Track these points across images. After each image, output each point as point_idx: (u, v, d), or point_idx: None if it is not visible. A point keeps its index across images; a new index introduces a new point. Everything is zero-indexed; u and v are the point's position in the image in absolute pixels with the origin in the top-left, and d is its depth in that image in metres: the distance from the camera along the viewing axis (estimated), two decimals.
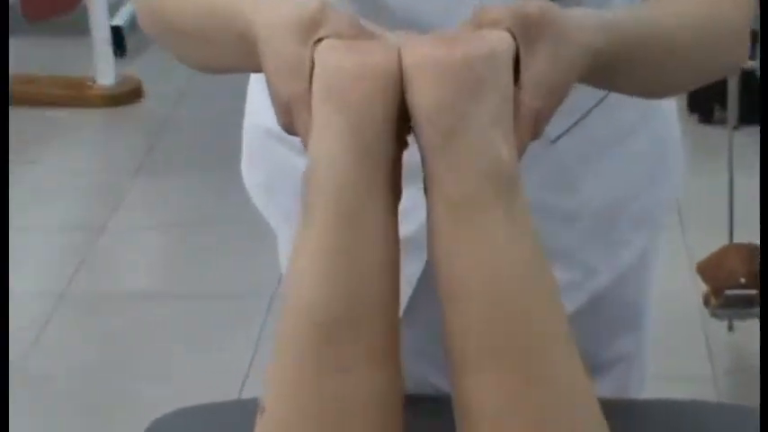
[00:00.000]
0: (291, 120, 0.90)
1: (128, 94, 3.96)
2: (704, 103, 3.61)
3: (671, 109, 1.27)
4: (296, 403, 0.92)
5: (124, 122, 4.01)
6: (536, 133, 0.91)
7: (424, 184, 0.89)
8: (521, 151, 0.90)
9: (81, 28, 4.04)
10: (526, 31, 0.90)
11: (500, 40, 0.89)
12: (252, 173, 1.36)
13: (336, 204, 0.89)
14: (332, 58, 0.88)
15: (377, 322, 0.92)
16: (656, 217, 1.35)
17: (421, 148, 0.88)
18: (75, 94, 3.97)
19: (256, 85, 1.28)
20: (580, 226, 1.27)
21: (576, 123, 1.15)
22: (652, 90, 1.10)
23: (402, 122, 0.89)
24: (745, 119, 3.06)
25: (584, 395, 0.94)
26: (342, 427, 0.93)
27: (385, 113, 0.88)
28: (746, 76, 3.13)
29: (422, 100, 0.87)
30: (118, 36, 4.08)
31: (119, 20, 4.17)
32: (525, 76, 0.89)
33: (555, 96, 0.91)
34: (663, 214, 1.37)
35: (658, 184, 1.32)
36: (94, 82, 3.97)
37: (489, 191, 0.88)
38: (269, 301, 2.85)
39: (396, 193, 0.90)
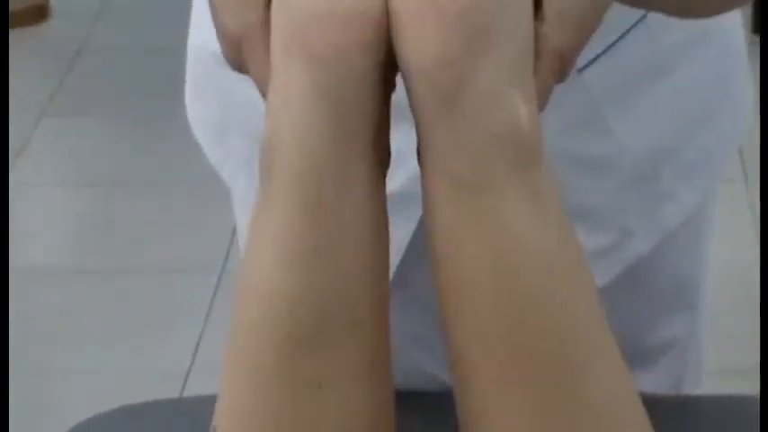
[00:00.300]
0: (241, 57, 0.82)
1: (34, 12, 3.63)
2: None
3: (734, 28, 1.16)
4: (254, 425, 0.83)
5: (26, 48, 3.59)
6: (562, 75, 0.82)
7: (419, 157, 0.79)
8: (543, 100, 0.81)
9: None
10: None
11: None
12: (197, 108, 1.25)
13: (305, 185, 0.78)
14: (298, 2, 0.78)
15: (361, 328, 0.83)
16: (712, 167, 1.23)
17: (415, 113, 0.78)
18: None
19: None
20: (615, 178, 1.17)
21: (608, 48, 1.07)
22: (693, 5, 1.00)
23: (388, 75, 0.80)
24: None
25: (624, 396, 0.85)
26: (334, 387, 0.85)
27: (365, 71, 0.77)
28: None
29: (416, 53, 0.76)
30: None
31: None
32: (548, 3, 0.80)
33: (584, 27, 0.84)
34: (722, 164, 1.26)
35: (716, 125, 1.19)
36: None
37: (503, 166, 0.77)
38: (217, 278, 2.60)
39: (382, 166, 0.81)
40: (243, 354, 0.81)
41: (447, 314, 0.80)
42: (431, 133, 0.76)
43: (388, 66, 0.77)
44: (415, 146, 0.80)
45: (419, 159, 0.78)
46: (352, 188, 0.78)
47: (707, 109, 1.17)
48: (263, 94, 0.79)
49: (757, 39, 3.27)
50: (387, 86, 0.78)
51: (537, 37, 0.78)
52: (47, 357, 2.54)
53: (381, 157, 0.80)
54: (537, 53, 0.78)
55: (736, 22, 1.16)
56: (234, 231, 1.66)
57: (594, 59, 1.07)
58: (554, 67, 0.80)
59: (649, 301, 1.30)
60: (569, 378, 0.79)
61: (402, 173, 0.90)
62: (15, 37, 3.50)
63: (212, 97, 1.22)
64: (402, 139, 0.83)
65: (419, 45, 0.75)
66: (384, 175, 0.81)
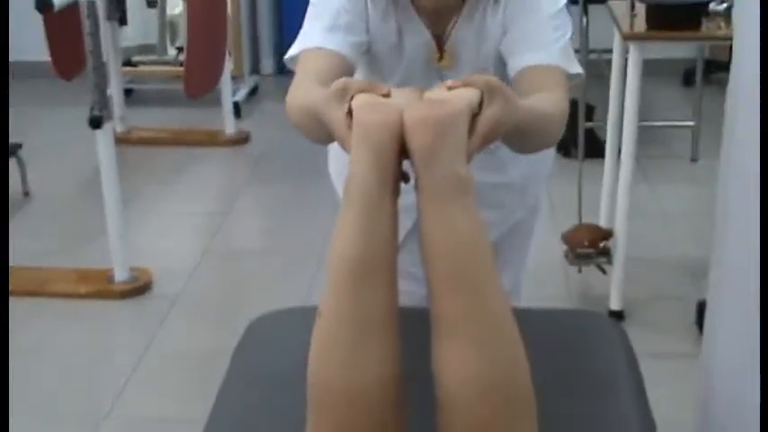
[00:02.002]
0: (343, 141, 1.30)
1: (242, 139, 5.18)
2: (565, 146, 4.49)
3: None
4: (338, 312, 1.29)
5: (240, 155, 5.12)
6: (483, 147, 1.29)
7: (415, 188, 1.27)
8: (470, 157, 1.26)
9: (215, 100, 5.13)
10: (490, 90, 1.29)
11: (471, 96, 1.28)
12: (333, 167, 1.99)
13: (363, 199, 1.27)
14: (364, 115, 1.26)
15: (387, 265, 1.30)
16: (542, 186, 2.01)
17: (415, 169, 1.27)
18: (212, 140, 5.19)
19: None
20: (510, 188, 1.89)
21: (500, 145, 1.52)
22: (525, 148, 1.58)
23: (402, 154, 1.27)
24: (587, 155, 3.87)
25: (505, 304, 1.30)
26: (368, 326, 1.28)
27: (393, 148, 1.26)
28: (588, 131, 4.21)
29: (415, 141, 1.25)
30: (236, 107, 5.36)
31: (237, 97, 5.52)
32: (485, 113, 1.29)
33: (499, 127, 1.30)
34: (543, 187, 2.01)
35: (544, 170, 1.97)
36: (224, 132, 5.20)
37: (453, 191, 1.26)
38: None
39: (396, 193, 1.29)
40: (332, 283, 1.30)
41: (427, 264, 1.28)
42: (420, 177, 1.26)
43: (402, 147, 1.26)
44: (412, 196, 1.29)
45: (415, 189, 1.27)
46: (385, 202, 1.29)
47: (542, 165, 1.88)
48: (344, 148, 1.30)
49: (559, 153, 4.24)
50: (401, 157, 1.28)
51: (474, 129, 1.27)
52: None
53: (397, 188, 1.30)
54: (473, 137, 1.27)
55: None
56: None
57: (500, 146, 1.56)
58: (480, 143, 1.29)
59: (516, 249, 2.03)
60: (481, 289, 1.27)
61: (406, 197, 1.34)
62: (235, 150, 5.13)
63: (337, 163, 1.89)
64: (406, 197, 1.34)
65: (415, 137, 1.25)
66: (397, 199, 1.30)
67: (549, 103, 1.52)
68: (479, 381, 1.26)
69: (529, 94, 1.51)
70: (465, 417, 1.29)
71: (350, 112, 1.31)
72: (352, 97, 1.31)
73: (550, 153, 1.91)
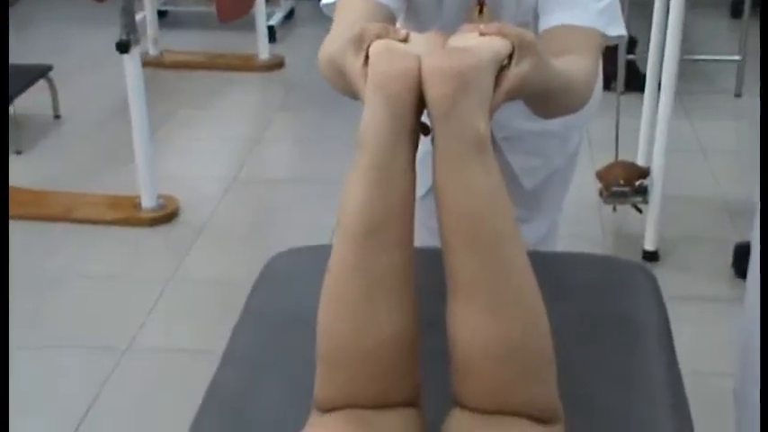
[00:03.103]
0: (353, 86, 1.26)
1: (276, 64, 5.16)
2: (606, 79, 3.86)
3: (598, 88, 1.72)
4: (349, 269, 1.26)
5: (273, 80, 5.09)
6: (505, 102, 1.24)
7: (432, 142, 1.22)
8: (491, 113, 1.21)
9: (250, 24, 5.11)
10: (522, 44, 1.24)
11: (499, 47, 1.23)
12: None
13: (377, 151, 1.22)
14: (379, 64, 1.21)
15: (401, 220, 1.25)
16: (581, 133, 1.94)
17: (431, 122, 1.21)
18: (245, 64, 5.17)
19: None
20: (550, 136, 1.86)
21: None
22: (543, 111, 1.51)
23: (420, 105, 1.21)
24: (627, 88, 3.99)
25: (525, 266, 1.24)
26: (379, 284, 1.25)
27: (409, 99, 1.20)
28: (629, 64, 4.30)
29: (432, 93, 1.19)
30: (271, 31, 5.32)
31: (272, 21, 5.45)
32: (513, 69, 1.24)
33: (526, 86, 1.25)
34: (584, 133, 1.96)
35: (586, 118, 1.85)
36: (257, 57, 5.20)
37: (471, 148, 1.21)
38: None
39: (414, 146, 1.24)
40: (343, 237, 1.26)
41: (441, 222, 1.24)
42: (438, 132, 1.21)
43: (421, 99, 1.20)
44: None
45: (432, 143, 1.22)
46: (400, 154, 1.24)
47: (582, 114, 1.62)
48: (361, 101, 1.23)
49: None
50: (420, 108, 1.22)
51: (501, 82, 1.23)
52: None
53: (415, 140, 1.24)
54: (499, 89, 1.23)
55: (599, 86, 1.72)
56: None
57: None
58: (505, 96, 1.25)
59: (554, 196, 2.00)
60: (499, 251, 1.23)
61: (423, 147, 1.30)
62: (270, 75, 5.06)
63: None
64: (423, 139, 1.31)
65: (433, 88, 1.19)
66: (415, 152, 1.25)
67: (576, 68, 1.45)
68: (495, 346, 1.22)
69: (556, 55, 1.44)
70: (480, 381, 1.26)
71: (367, 60, 1.25)
72: (369, 45, 1.25)
73: (595, 102, 1.81)
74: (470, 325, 1.23)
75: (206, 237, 3.54)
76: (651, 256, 3.35)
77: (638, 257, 3.34)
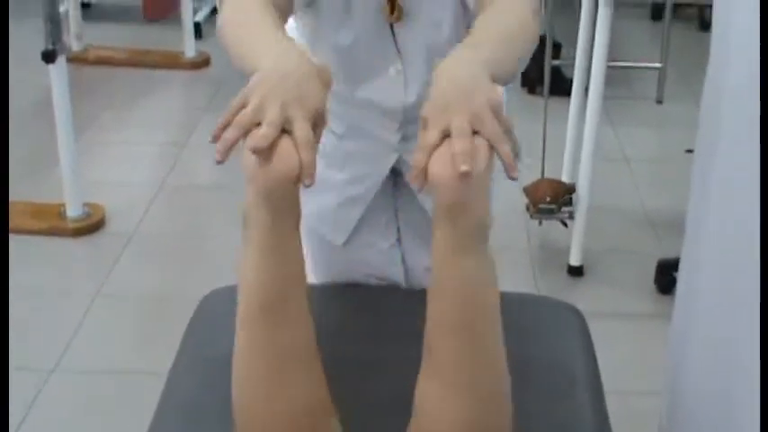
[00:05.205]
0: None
1: (202, 62, 5.14)
2: (531, 83, 4.57)
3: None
4: (253, 348, 1.28)
5: (200, 79, 5.05)
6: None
7: (434, 228, 1.24)
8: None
9: (176, 20, 5.03)
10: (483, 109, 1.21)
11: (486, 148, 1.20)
12: None
13: (261, 239, 1.24)
14: (254, 167, 1.18)
15: (295, 298, 1.29)
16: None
17: (435, 219, 1.24)
18: (171, 62, 5.13)
19: None
20: None
21: None
22: (508, 74, 1.38)
23: (296, 189, 1.21)
24: (552, 93, 3.83)
25: (501, 353, 1.30)
26: (285, 359, 1.27)
27: (288, 191, 1.20)
28: (554, 69, 4.22)
29: (443, 199, 1.21)
30: (197, 27, 5.28)
31: (198, 17, 5.43)
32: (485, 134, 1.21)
33: (500, 108, 1.24)
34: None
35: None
36: (183, 55, 5.15)
37: (475, 242, 1.25)
38: None
39: (297, 224, 1.27)
40: (241, 309, 1.28)
41: (432, 301, 1.28)
42: (444, 225, 1.23)
43: (296, 181, 1.17)
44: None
45: (434, 229, 1.24)
46: (285, 238, 1.25)
47: None
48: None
49: (524, 89, 4.47)
50: (296, 190, 1.21)
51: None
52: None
53: (297, 221, 1.26)
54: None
55: None
56: None
57: None
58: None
59: None
60: (481, 340, 1.27)
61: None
62: (196, 73, 5.00)
63: None
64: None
65: (445, 196, 1.20)
66: (298, 227, 1.26)
67: (507, 24, 1.39)
68: (459, 424, 1.26)
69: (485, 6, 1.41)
70: None
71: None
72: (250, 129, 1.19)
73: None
74: (439, 403, 1.27)
75: (134, 247, 3.51)
76: (576, 271, 3.40)
77: (563, 271, 3.40)
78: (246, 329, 1.28)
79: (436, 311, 1.27)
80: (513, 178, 1.21)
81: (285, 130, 1.17)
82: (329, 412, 1.34)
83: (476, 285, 1.25)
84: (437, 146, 1.19)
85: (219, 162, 1.15)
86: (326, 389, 1.33)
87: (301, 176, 1.16)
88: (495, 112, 1.20)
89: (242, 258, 1.25)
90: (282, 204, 1.21)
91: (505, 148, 1.19)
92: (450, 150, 1.17)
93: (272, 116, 1.15)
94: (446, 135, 1.19)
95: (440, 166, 1.17)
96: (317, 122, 1.21)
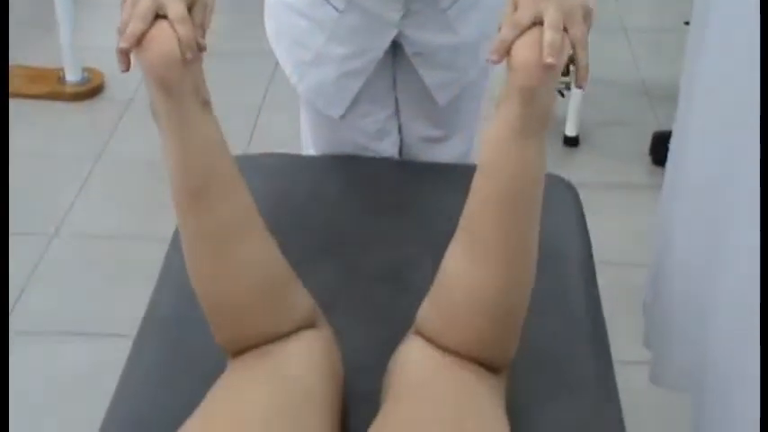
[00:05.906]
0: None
1: None
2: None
3: None
4: (190, 232, 1.31)
5: None
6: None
7: (496, 111, 1.27)
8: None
9: None
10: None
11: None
12: (268, 24, 1.84)
13: (169, 126, 1.26)
14: (142, 50, 1.21)
15: (222, 177, 1.30)
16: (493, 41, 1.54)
17: (508, 101, 1.25)
18: None
19: None
20: (462, 49, 1.82)
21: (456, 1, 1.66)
22: None
23: (194, 78, 1.25)
24: None
25: (534, 237, 1.34)
26: (221, 237, 1.29)
27: (179, 76, 1.23)
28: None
29: (520, 83, 1.23)
30: None
31: None
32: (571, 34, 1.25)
33: (589, 17, 1.28)
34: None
35: (495, 28, 1.49)
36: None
37: (540, 126, 1.28)
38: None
39: (207, 102, 1.29)
40: (173, 196, 1.29)
41: (484, 176, 1.30)
42: (515, 110, 1.25)
43: (192, 73, 1.23)
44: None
45: (496, 111, 1.26)
46: (192, 116, 1.26)
47: (488, 27, 1.70)
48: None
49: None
50: (194, 76, 1.25)
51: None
52: None
53: (205, 99, 1.29)
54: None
55: None
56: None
57: (452, 5, 1.67)
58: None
59: (468, 111, 1.99)
60: (525, 211, 1.30)
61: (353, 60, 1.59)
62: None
63: (273, 21, 1.79)
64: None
65: (524, 81, 1.22)
66: (206, 104, 1.29)
67: None
68: (480, 291, 1.29)
69: None
70: (452, 320, 1.32)
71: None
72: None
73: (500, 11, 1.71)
74: (463, 264, 1.30)
75: (133, 113, 3.48)
76: (572, 142, 3.42)
77: (559, 141, 3.40)
78: (181, 216, 1.29)
79: (485, 187, 1.29)
80: (581, 87, 1.26)
81: (163, 17, 1.21)
82: (290, 281, 1.37)
83: (531, 167, 1.28)
84: (528, 28, 1.22)
85: (125, 71, 1.22)
86: (280, 257, 1.35)
87: (182, 51, 1.19)
88: (586, 17, 1.24)
89: (162, 148, 1.27)
90: (179, 87, 1.22)
91: (584, 55, 1.24)
92: (537, 37, 1.20)
93: (140, 9, 1.19)
94: (537, 21, 1.21)
95: (526, 50, 1.20)
96: (194, 1, 1.24)
